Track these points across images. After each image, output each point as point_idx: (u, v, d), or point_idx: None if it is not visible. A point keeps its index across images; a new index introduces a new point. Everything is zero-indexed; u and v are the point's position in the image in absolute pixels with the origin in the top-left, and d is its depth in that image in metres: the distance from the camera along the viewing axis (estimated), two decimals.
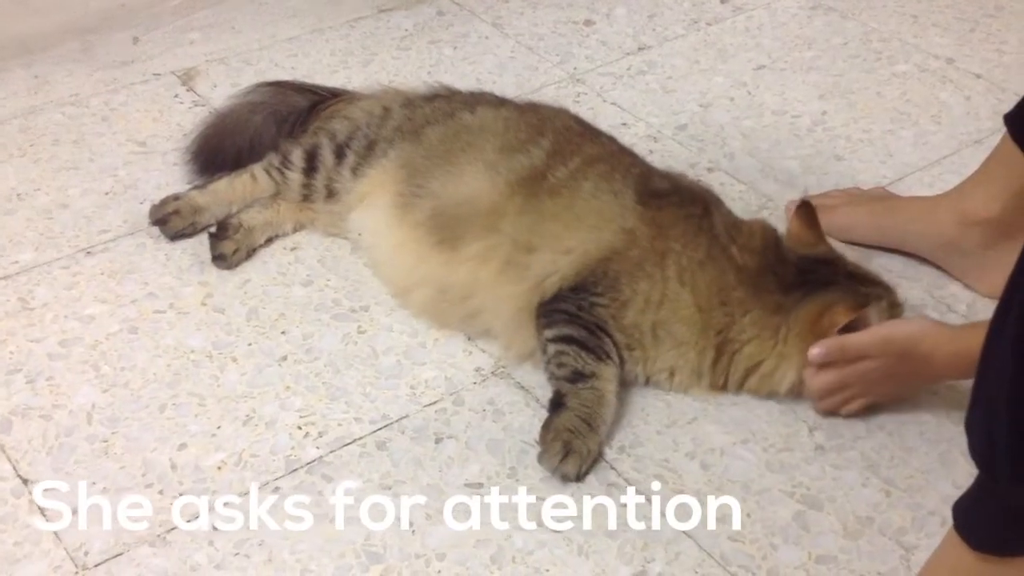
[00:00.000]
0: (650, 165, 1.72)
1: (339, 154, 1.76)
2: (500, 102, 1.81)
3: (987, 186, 1.70)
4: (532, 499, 1.41)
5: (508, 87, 2.17)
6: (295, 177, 1.78)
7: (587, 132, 1.73)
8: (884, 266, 1.78)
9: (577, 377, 1.48)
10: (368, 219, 1.72)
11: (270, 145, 1.85)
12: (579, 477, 1.42)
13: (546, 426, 1.45)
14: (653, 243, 1.54)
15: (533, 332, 1.56)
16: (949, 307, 1.71)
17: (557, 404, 1.47)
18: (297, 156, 1.79)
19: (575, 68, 2.29)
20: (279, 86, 1.97)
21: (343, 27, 2.42)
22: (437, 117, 1.75)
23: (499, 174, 1.62)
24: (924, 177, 1.98)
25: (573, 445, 1.42)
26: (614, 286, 1.53)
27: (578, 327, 1.52)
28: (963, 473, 1.45)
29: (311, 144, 1.79)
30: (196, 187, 1.84)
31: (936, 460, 1.48)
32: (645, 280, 1.53)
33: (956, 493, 1.42)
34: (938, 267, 1.77)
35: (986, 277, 1.72)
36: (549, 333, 1.53)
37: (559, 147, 1.65)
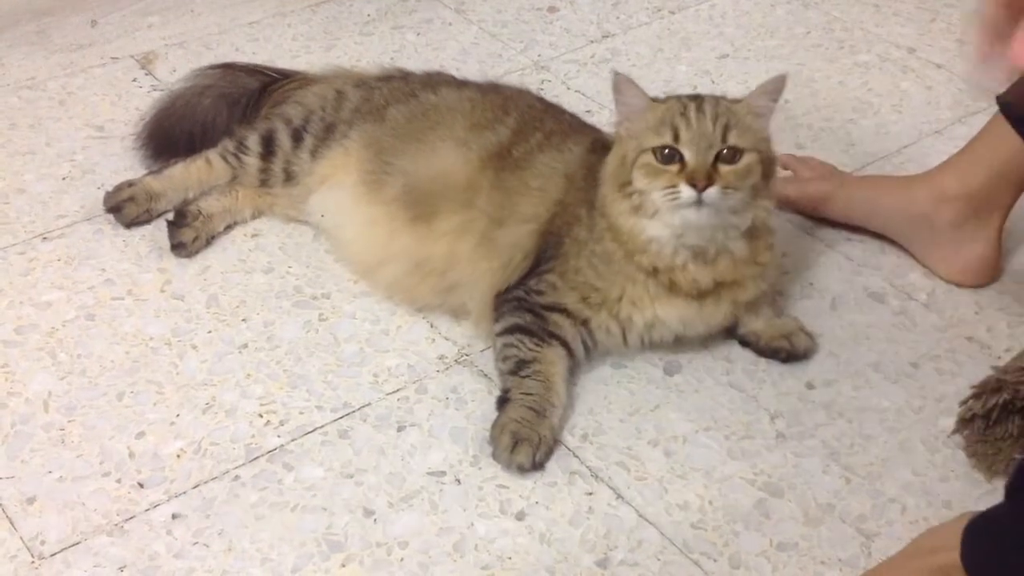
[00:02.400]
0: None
1: (296, 138, 1.75)
2: (460, 83, 1.81)
3: (968, 164, 1.71)
4: (495, 487, 1.41)
5: (471, 74, 2.15)
6: (252, 162, 1.77)
7: (550, 109, 1.74)
8: (845, 254, 1.79)
9: (520, 366, 1.48)
10: (332, 199, 1.70)
11: (222, 127, 1.84)
12: (535, 465, 1.42)
13: (494, 424, 1.45)
14: (585, 182, 1.55)
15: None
16: (909, 295, 1.73)
17: (503, 401, 1.47)
18: (253, 141, 1.77)
19: (539, 55, 2.29)
20: (229, 68, 1.95)
21: (305, 11, 2.40)
22: (398, 97, 1.75)
23: (471, 151, 1.63)
24: (885, 166, 1.99)
25: (521, 434, 1.42)
26: (558, 243, 1.53)
27: (524, 312, 1.52)
28: (922, 461, 1.47)
29: (266, 129, 1.78)
30: (151, 173, 1.82)
31: (896, 448, 1.49)
32: (576, 224, 1.53)
33: (916, 480, 1.44)
34: (902, 248, 1.78)
35: (949, 259, 1.73)
36: (497, 327, 1.54)
37: (523, 125, 1.66)
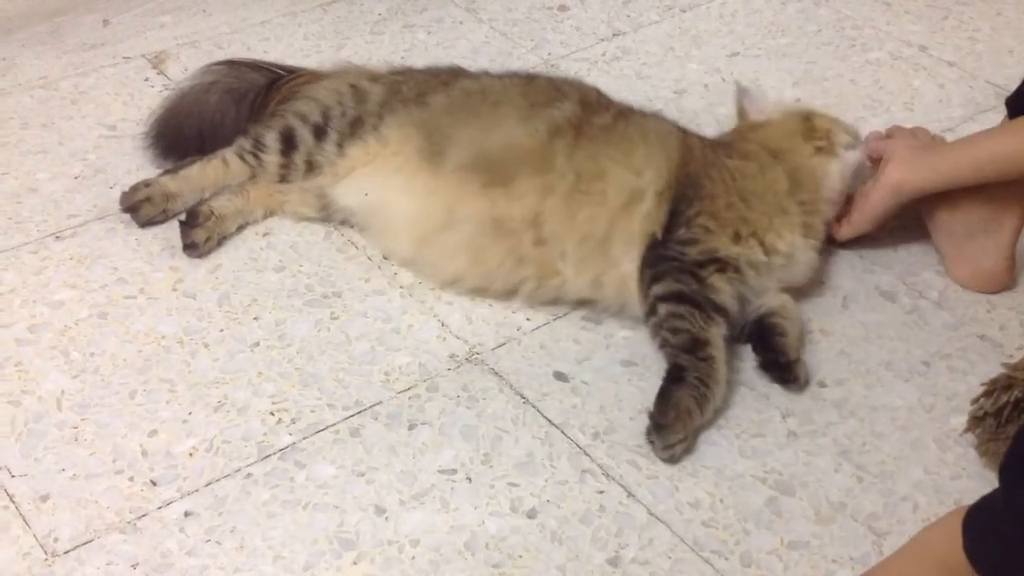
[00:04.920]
0: None
1: (318, 134, 1.76)
2: (483, 73, 1.86)
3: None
4: (505, 485, 1.41)
5: None
6: (272, 159, 1.78)
7: (601, 95, 1.80)
8: (857, 252, 1.79)
9: (695, 345, 1.50)
10: (381, 177, 1.71)
11: (230, 123, 1.85)
12: (673, 460, 1.45)
13: (667, 400, 1.46)
14: (703, 153, 1.69)
15: (607, 256, 1.61)
16: (921, 294, 1.72)
17: (677, 378, 1.48)
18: (271, 139, 1.78)
19: (549, 54, 2.29)
20: (233, 64, 1.96)
21: (316, 10, 2.40)
22: (433, 86, 1.78)
23: (537, 126, 1.67)
24: None
25: (689, 429, 1.45)
26: (698, 184, 1.63)
27: (684, 275, 1.55)
28: (934, 459, 1.46)
29: (284, 126, 1.79)
30: (167, 172, 1.82)
31: (907, 446, 1.48)
32: (713, 168, 1.66)
33: (927, 479, 1.43)
34: (914, 246, 1.79)
35: (962, 264, 1.74)
36: (658, 289, 1.56)
37: (587, 102, 1.73)
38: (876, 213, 1.71)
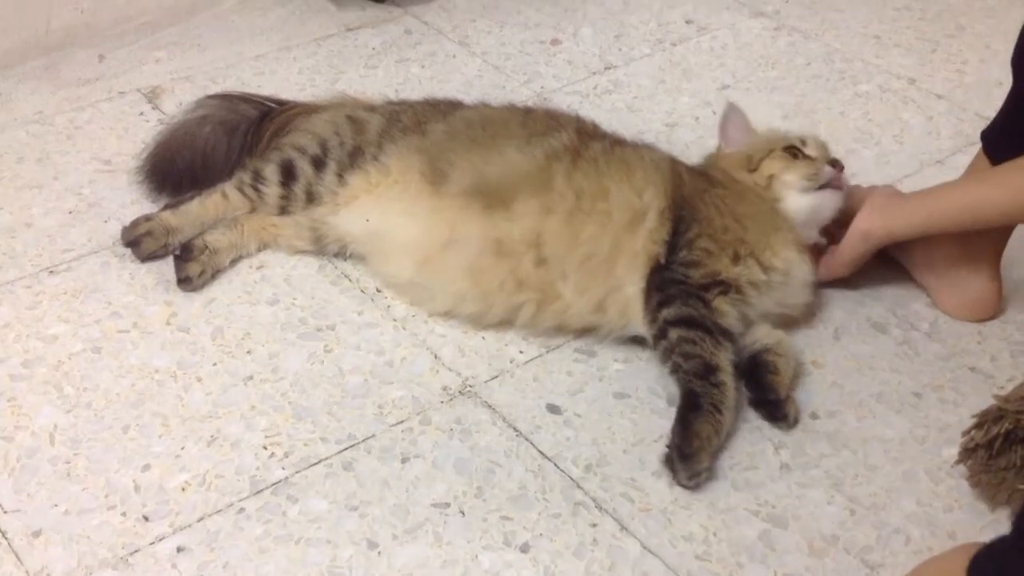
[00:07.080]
0: None
1: (318, 165, 1.78)
2: (481, 104, 1.89)
3: None
4: (499, 519, 1.41)
5: None
6: (272, 191, 1.79)
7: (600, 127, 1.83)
8: (850, 284, 1.79)
9: (708, 371, 1.51)
10: (383, 203, 1.72)
11: (222, 156, 1.86)
12: (695, 487, 1.46)
13: (689, 428, 1.46)
14: (692, 179, 1.72)
15: (611, 276, 1.61)
16: (912, 325, 1.73)
17: (694, 405, 1.49)
18: (271, 171, 1.79)
19: (542, 87, 2.30)
20: (225, 97, 1.98)
21: (310, 45, 2.42)
22: (432, 116, 1.81)
23: (535, 153, 1.69)
24: None
25: (712, 456, 1.47)
26: (694, 207, 1.66)
27: (692, 299, 1.57)
28: (926, 491, 1.47)
29: (283, 159, 1.80)
30: (167, 207, 1.83)
31: (900, 478, 1.49)
32: (707, 192, 1.69)
33: (920, 511, 1.44)
34: (904, 278, 1.80)
35: (948, 295, 1.75)
36: (668, 314, 1.57)
37: (584, 131, 1.76)
38: (847, 259, 1.72)
